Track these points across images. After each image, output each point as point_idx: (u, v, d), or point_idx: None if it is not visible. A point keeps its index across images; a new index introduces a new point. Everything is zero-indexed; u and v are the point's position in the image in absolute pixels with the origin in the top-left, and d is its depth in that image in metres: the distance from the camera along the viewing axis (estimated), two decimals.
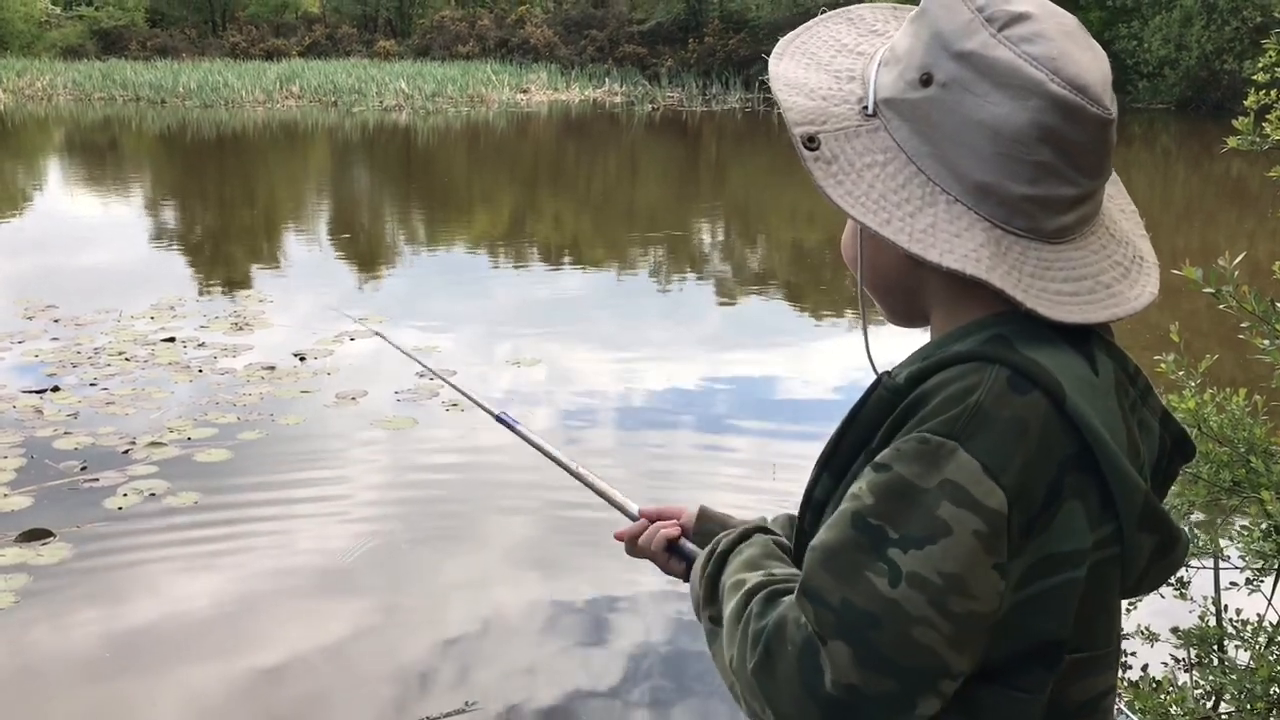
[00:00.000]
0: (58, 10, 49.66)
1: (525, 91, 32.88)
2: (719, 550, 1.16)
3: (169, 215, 14.24)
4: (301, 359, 7.06)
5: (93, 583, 4.27)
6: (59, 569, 4.33)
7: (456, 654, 3.80)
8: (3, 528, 4.64)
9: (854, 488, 0.96)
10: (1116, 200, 1.09)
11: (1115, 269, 1.02)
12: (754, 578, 1.07)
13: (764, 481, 5.19)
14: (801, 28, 1.13)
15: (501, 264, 11.01)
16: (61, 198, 15.66)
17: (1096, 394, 0.98)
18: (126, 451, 5.50)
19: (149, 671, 3.70)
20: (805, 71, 1.07)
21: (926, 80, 0.98)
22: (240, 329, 7.81)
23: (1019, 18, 0.96)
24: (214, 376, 6.69)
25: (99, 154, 21.70)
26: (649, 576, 4.26)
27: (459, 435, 5.85)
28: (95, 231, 12.62)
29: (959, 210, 0.98)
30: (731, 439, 5.89)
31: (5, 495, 4.97)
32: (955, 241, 0.97)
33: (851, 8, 1.15)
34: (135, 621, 4.01)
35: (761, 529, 1.20)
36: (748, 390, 6.72)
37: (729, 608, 1.06)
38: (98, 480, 5.15)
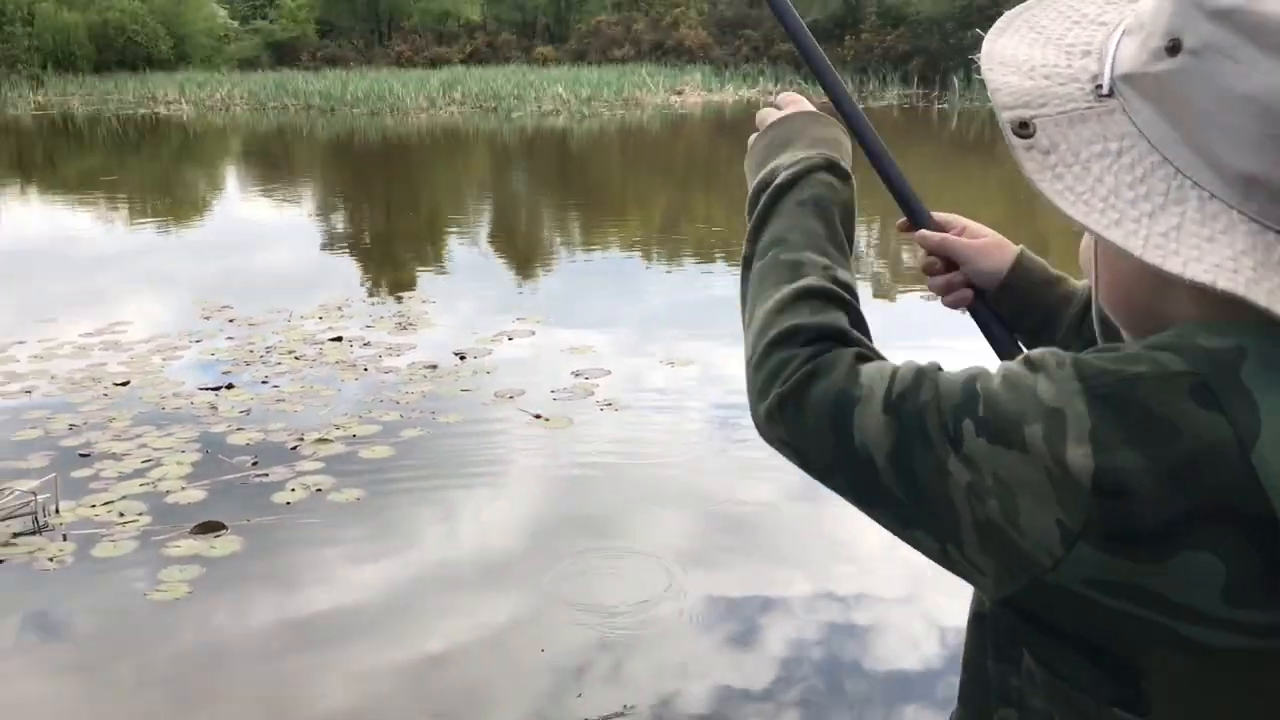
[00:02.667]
0: (235, 24, 52.24)
1: (679, 93, 32.98)
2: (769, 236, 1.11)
3: (337, 218, 14.74)
4: (462, 358, 7.16)
5: (262, 574, 4.39)
6: (230, 560, 4.47)
7: (610, 649, 3.78)
8: (179, 519, 4.82)
9: (1005, 366, 0.87)
10: None
11: None
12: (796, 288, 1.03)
13: None
14: None
15: (654, 265, 11.00)
16: (238, 202, 16.40)
17: None
18: (295, 448, 5.66)
19: (317, 657, 3.78)
20: (1029, 48, 0.93)
21: (1174, 48, 0.81)
22: (404, 329, 7.98)
23: None
24: (378, 375, 6.85)
25: (272, 161, 22.66)
26: (804, 579, 4.20)
27: (615, 433, 5.84)
28: (269, 234, 13.15)
29: (1215, 208, 0.80)
30: None
31: (183, 488, 5.17)
32: (1206, 247, 0.79)
33: None
34: (302, 611, 4.10)
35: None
36: None
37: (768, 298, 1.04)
38: (267, 475, 5.31)
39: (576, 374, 6.77)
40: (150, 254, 11.83)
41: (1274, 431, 0.76)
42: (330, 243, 12.77)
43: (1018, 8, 0.98)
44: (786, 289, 1.03)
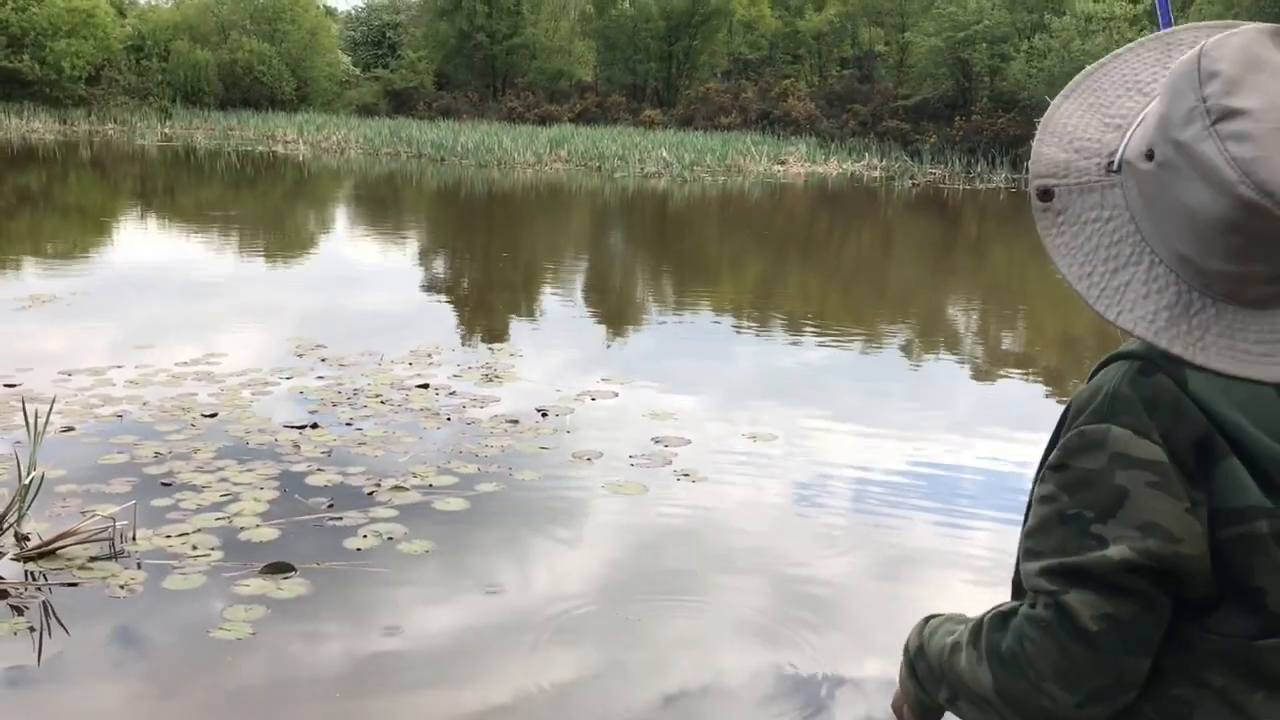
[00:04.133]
0: (357, 72, 53.94)
1: (783, 163, 33.05)
2: (920, 642, 1.39)
3: (438, 265, 14.98)
4: (544, 414, 7.14)
5: (326, 619, 4.36)
6: (296, 603, 4.46)
7: (674, 713, 3.71)
8: (250, 557, 4.84)
9: (1042, 491, 1.19)
10: None
11: None
12: (962, 627, 1.31)
13: (1005, 572, 4.77)
14: (1112, 54, 1.17)
15: (744, 331, 10.92)
16: (344, 242, 16.80)
17: (1253, 396, 1.11)
18: (371, 493, 5.66)
19: (378, 705, 3.72)
20: (1081, 115, 1.13)
21: (1150, 155, 1.05)
22: (490, 380, 8.01)
23: (1235, 113, 0.99)
24: (460, 425, 6.86)
25: (381, 205, 23.20)
26: (874, 660, 4.07)
27: (690, 502, 5.73)
28: (370, 276, 13.40)
29: (1160, 272, 1.07)
30: (973, 525, 5.53)
31: (257, 526, 5.19)
32: (1140, 303, 1.07)
33: (1174, 30, 1.18)
34: (364, 659, 4.06)
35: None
36: (995, 478, 6.33)
37: (961, 659, 1.27)
38: (341, 520, 5.31)
39: (657, 440, 6.69)
40: (253, 286, 12.13)
41: (1199, 378, 1.12)
42: (428, 288, 12.96)
43: (1095, 64, 1.17)
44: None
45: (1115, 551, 1.09)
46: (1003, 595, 4.55)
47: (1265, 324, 1.04)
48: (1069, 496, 1.13)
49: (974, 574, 4.96)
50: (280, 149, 34.40)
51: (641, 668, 4.03)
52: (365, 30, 57.56)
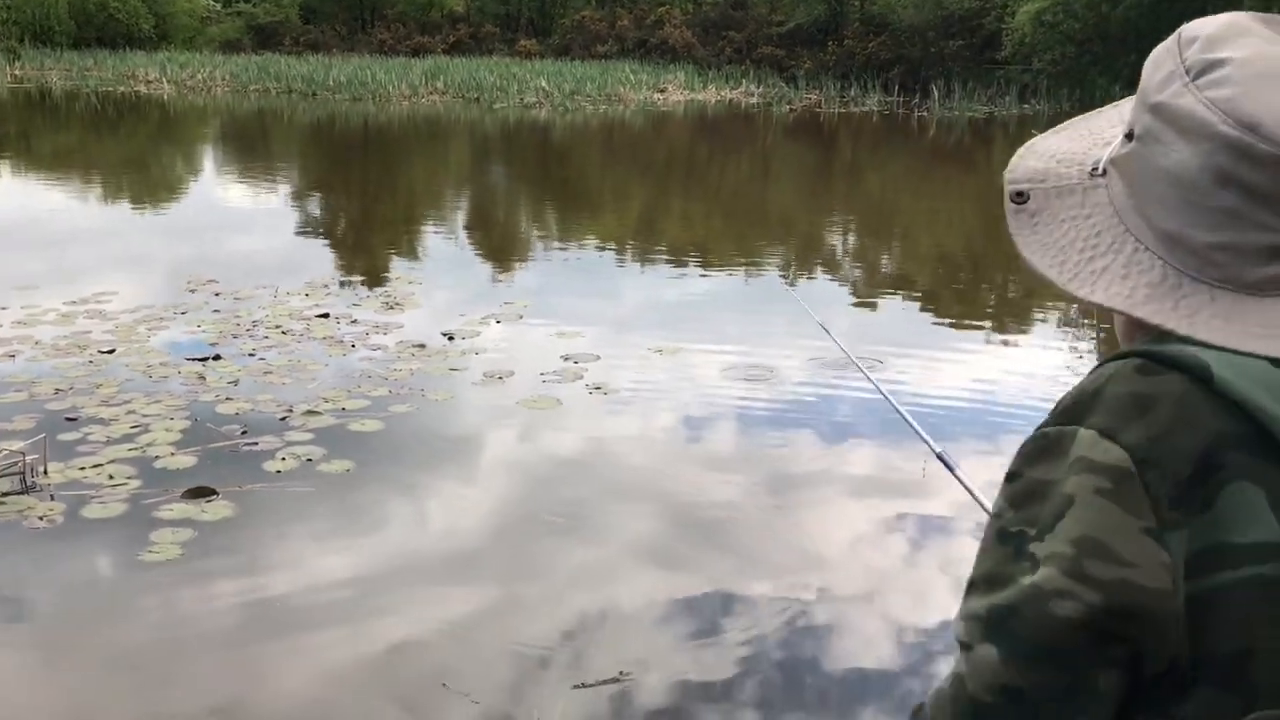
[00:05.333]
0: (218, 6, 51.80)
1: (662, 91, 33.03)
2: None
3: (320, 202, 14.70)
4: (450, 338, 7.19)
5: (255, 538, 4.40)
6: (223, 524, 4.48)
7: (572, 640, 3.72)
8: (170, 484, 4.82)
9: (994, 506, 0.94)
10: None
11: None
12: None
13: (883, 494, 4.99)
14: (1111, 105, 1.11)
15: (640, 257, 11.02)
16: (216, 185, 16.30)
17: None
18: (284, 419, 5.66)
19: (286, 635, 3.77)
20: (1069, 142, 1.07)
21: (1130, 135, 0.98)
22: (391, 308, 7.99)
23: (1215, 64, 0.91)
24: (366, 351, 6.86)
25: (253, 144, 22.54)
26: (765, 579, 4.14)
27: (600, 419, 5.87)
28: (249, 217, 13.09)
29: (1144, 258, 0.96)
30: (852, 445, 5.59)
31: (172, 454, 5.17)
32: (1118, 285, 0.95)
33: None
34: (282, 584, 4.11)
35: None
36: (872, 399, 6.36)
37: None
38: (257, 444, 5.32)
39: (566, 357, 6.80)
40: (130, 231, 11.77)
41: (1223, 362, 0.87)
42: (313, 226, 12.74)
43: (1091, 113, 1.11)
44: None
45: (1043, 576, 0.85)
46: (881, 508, 4.75)
47: (1269, 314, 0.90)
48: (1013, 511, 0.90)
49: (854, 489, 5.04)
50: (143, 89, 33.00)
51: (540, 595, 4.07)
52: None
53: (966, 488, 1.75)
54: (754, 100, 32.90)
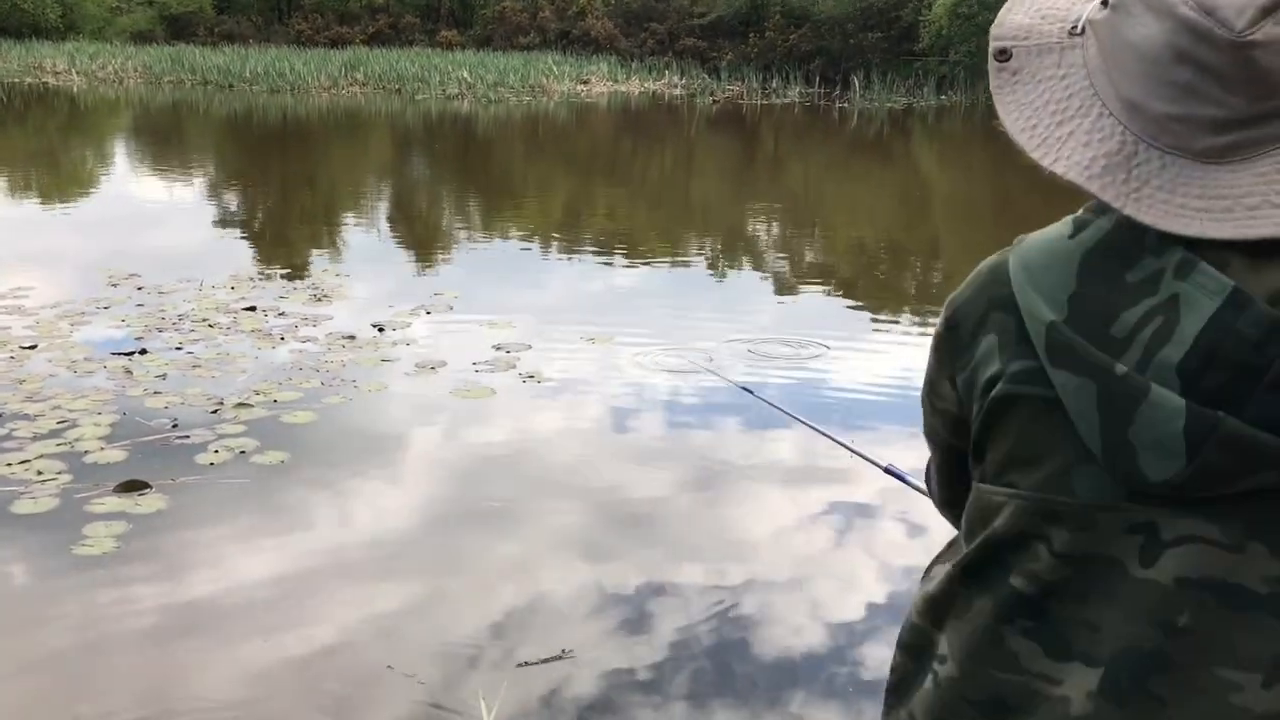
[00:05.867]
0: None
1: (585, 83, 33.01)
2: None
3: (241, 197, 14.49)
4: (380, 330, 7.18)
5: (190, 530, 4.39)
6: (157, 517, 4.46)
7: (501, 636, 3.70)
8: (102, 478, 4.78)
9: None
10: None
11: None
12: None
13: (807, 483, 5.06)
14: None
15: (558, 253, 11.06)
16: (133, 179, 15.96)
17: (1084, 263, 1.03)
18: (215, 411, 5.63)
19: (220, 629, 3.77)
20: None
21: (1105, 2, 1.05)
22: (319, 300, 7.95)
23: None
24: (295, 344, 6.82)
25: (167, 137, 22.10)
26: (695, 568, 4.17)
27: (532, 408, 5.90)
28: (167, 212, 12.83)
29: (1108, 123, 1.04)
30: (777, 434, 5.59)
31: (102, 449, 5.11)
32: (1079, 150, 1.04)
33: None
34: (215, 578, 4.10)
35: None
36: (797, 387, 6.38)
37: None
38: (189, 438, 5.28)
39: (498, 347, 6.84)
40: (44, 226, 11.49)
41: (1032, 247, 1.08)
42: (235, 220, 12.57)
43: None
44: None
45: (924, 415, 1.28)
46: (807, 496, 4.81)
47: (1210, 181, 0.99)
48: None
49: (782, 479, 5.08)
50: (51, 80, 32.11)
51: (468, 589, 4.05)
52: None
53: (918, 488, 1.74)
54: (677, 92, 33.05)
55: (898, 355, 7.09)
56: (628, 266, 9.98)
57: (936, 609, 1.17)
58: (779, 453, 5.43)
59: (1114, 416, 1.00)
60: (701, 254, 11.19)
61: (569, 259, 10.45)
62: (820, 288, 9.60)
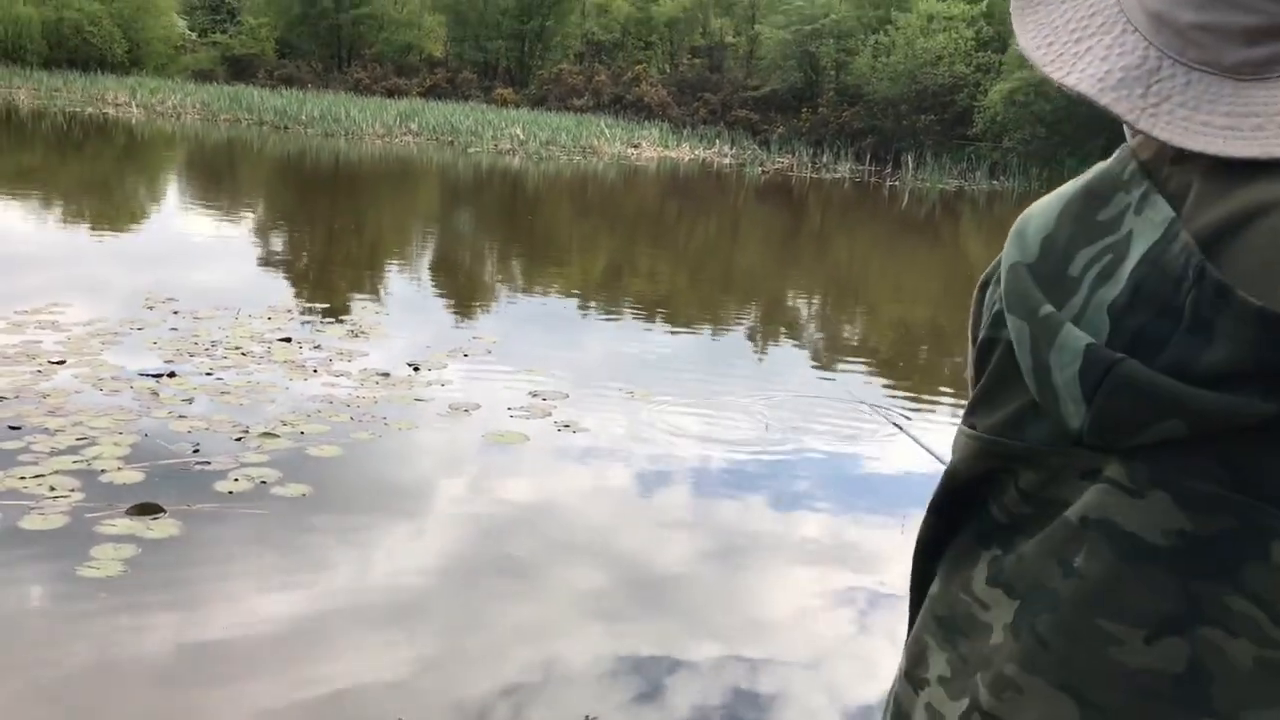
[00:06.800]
0: (193, 36, 51.69)
1: (636, 146, 33.19)
2: None
3: (286, 234, 14.47)
4: (415, 369, 6.99)
5: (201, 558, 4.17)
6: (168, 543, 4.24)
7: (515, 697, 3.48)
8: (115, 499, 4.58)
9: None
10: None
11: None
12: None
13: (834, 562, 4.77)
14: None
15: (598, 311, 10.86)
16: (179, 210, 16.00)
17: (1068, 203, 0.99)
18: (239, 439, 5.43)
19: (223, 668, 3.55)
20: None
21: None
22: (356, 336, 7.79)
23: None
24: (328, 377, 6.64)
25: (219, 172, 22.31)
26: (712, 642, 3.95)
27: (563, 460, 5.67)
28: (210, 244, 12.76)
29: (1131, 39, 0.96)
30: (806, 511, 5.32)
31: (119, 469, 4.92)
32: (1096, 64, 0.97)
33: None
34: (222, 614, 3.88)
35: None
36: (829, 464, 6.07)
37: None
38: (210, 464, 5.08)
39: (534, 394, 6.63)
40: (88, 251, 11.47)
41: (1056, 197, 1.02)
42: (278, 256, 12.52)
43: None
44: None
45: None
46: (830, 577, 4.50)
47: (1242, 98, 0.91)
48: None
49: (805, 557, 4.82)
50: (111, 111, 32.68)
51: (485, 647, 3.82)
52: None
53: None
54: (727, 161, 33.15)
55: (927, 438, 6.78)
56: (668, 332, 9.76)
57: (928, 544, 1.14)
58: (807, 528, 5.14)
59: (1038, 360, 0.96)
60: (741, 324, 10.96)
61: (609, 318, 10.27)
62: (859, 368, 9.31)
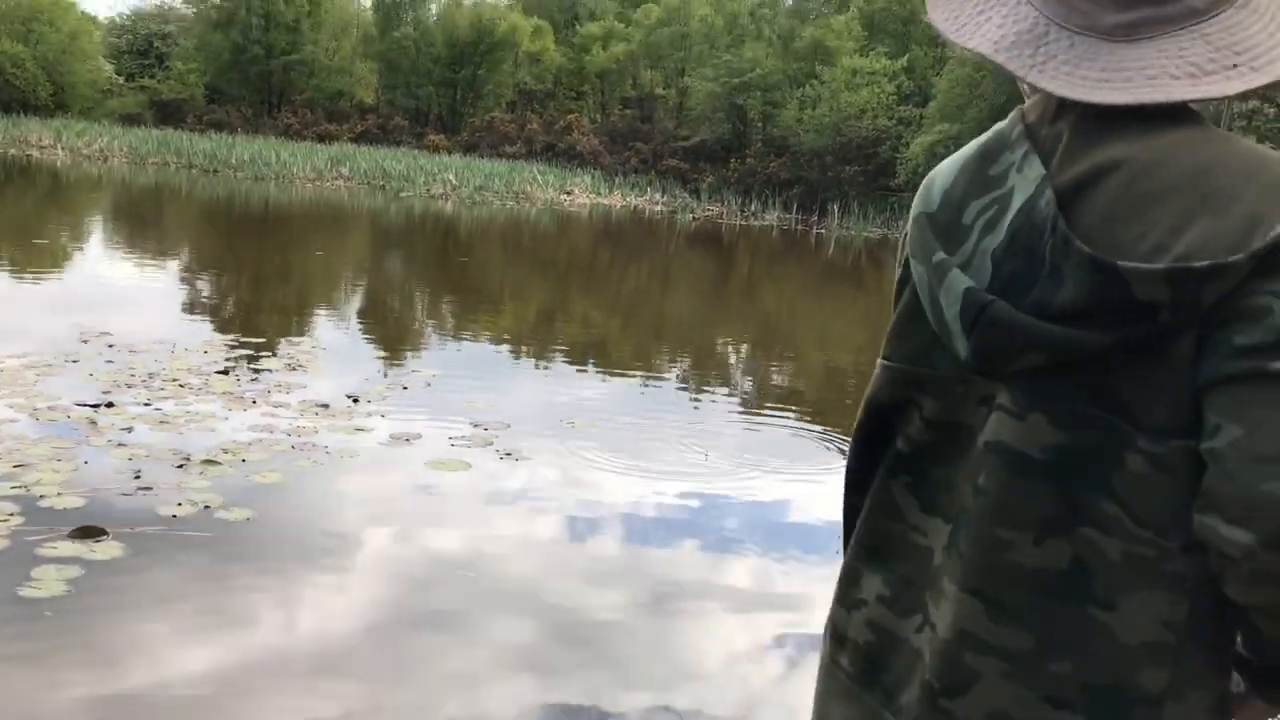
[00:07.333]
0: (120, 80, 51.12)
1: (569, 193, 33.46)
2: None
3: (218, 275, 14.37)
4: (355, 400, 7.03)
5: (146, 579, 4.18)
6: (112, 564, 4.25)
7: None
8: (57, 522, 4.56)
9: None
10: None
11: (1184, 67, 1.04)
12: None
13: (766, 607, 4.70)
14: None
15: (527, 358, 10.99)
16: (110, 256, 15.76)
17: (967, 161, 1.15)
18: (181, 466, 5.43)
19: (152, 691, 3.54)
20: None
21: None
22: (294, 369, 7.80)
23: None
24: (268, 408, 6.65)
25: (146, 215, 22.06)
26: (642, 692, 3.87)
27: (502, 496, 5.64)
28: (143, 288, 12.46)
29: (1025, 9, 1.12)
30: (734, 558, 5.21)
31: (59, 494, 4.90)
32: (993, 30, 1.12)
33: None
34: (187, 619, 3.90)
35: None
36: (756, 510, 5.99)
37: None
38: (152, 489, 5.08)
39: (476, 425, 6.71)
40: (12, 296, 11.30)
41: (964, 152, 1.18)
42: (208, 298, 12.43)
43: None
44: None
45: None
46: (762, 624, 4.32)
47: (1115, 58, 1.06)
48: None
49: (735, 604, 4.70)
50: (35, 153, 32.19)
51: (413, 702, 3.91)
52: (131, 39, 54.46)
53: None
54: (658, 208, 33.53)
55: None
56: (601, 374, 9.89)
57: (852, 479, 1.28)
58: (737, 572, 5.05)
59: (933, 300, 1.12)
60: (673, 367, 11.14)
61: (543, 361, 10.37)
62: (787, 414, 9.51)
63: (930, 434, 1.17)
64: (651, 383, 9.72)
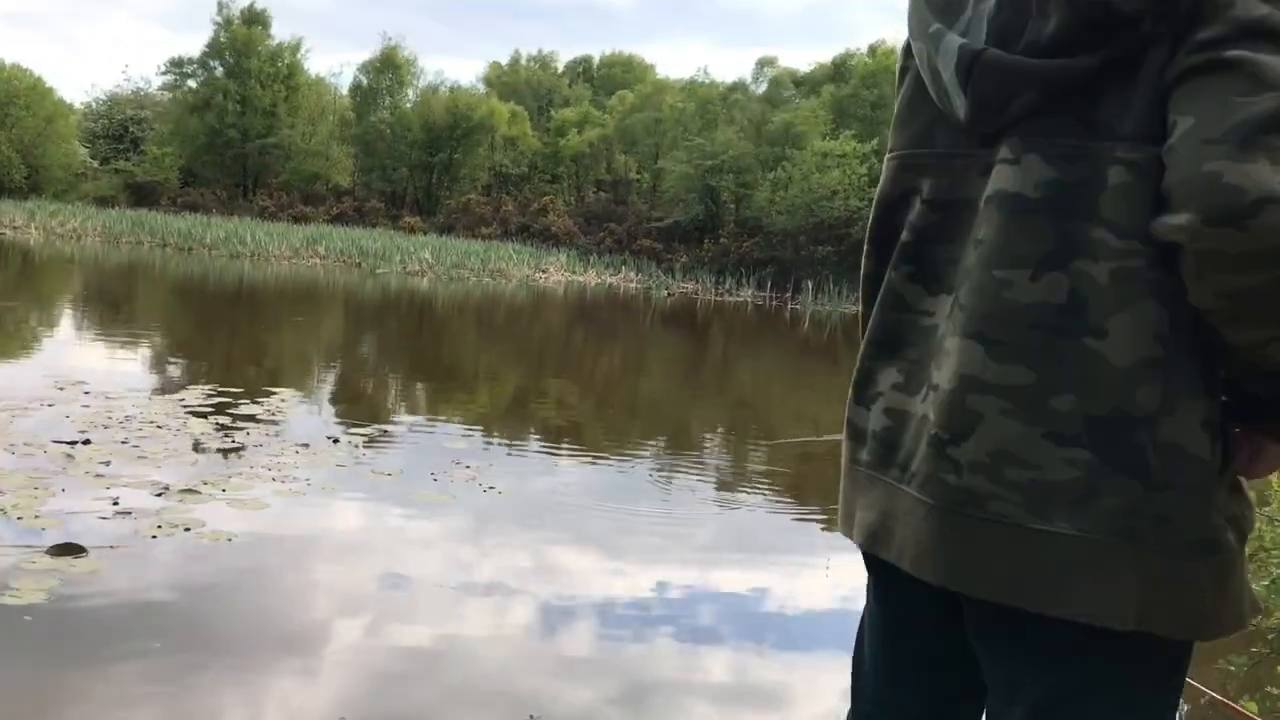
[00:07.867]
0: (94, 163, 51.30)
1: (544, 271, 33.65)
2: None
3: (191, 343, 14.31)
4: (335, 440, 6.97)
5: (126, 591, 4.09)
6: (91, 576, 4.16)
7: None
8: (36, 541, 4.47)
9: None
10: None
11: None
12: None
13: (742, 698, 4.16)
14: None
15: (500, 442, 10.95)
16: (83, 327, 15.70)
17: None
18: (161, 494, 5.35)
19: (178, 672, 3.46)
20: None
21: None
22: (273, 416, 7.75)
23: None
24: (248, 445, 6.59)
25: (119, 291, 21.99)
26: None
27: (490, 528, 5.61)
28: (116, 353, 12.56)
29: None
30: (711, 651, 4.60)
31: (36, 517, 4.81)
32: None
33: None
34: (164, 627, 3.81)
35: None
36: (734, 602, 5.29)
37: None
38: (130, 514, 5.00)
39: (456, 462, 6.66)
40: None
41: None
42: (184, 362, 12.37)
43: None
44: None
45: None
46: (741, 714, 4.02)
47: None
48: None
49: (711, 700, 4.13)
50: (8, 233, 32.11)
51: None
52: (106, 124, 54.86)
53: None
54: (633, 285, 33.74)
55: (838, 572, 5.71)
56: (576, 461, 9.86)
57: (867, 288, 1.36)
58: (714, 666, 4.50)
59: (931, 68, 1.17)
60: (649, 447, 11.11)
61: (518, 439, 10.34)
62: (764, 499, 9.47)
63: (932, 215, 1.23)
64: (629, 462, 9.17)
